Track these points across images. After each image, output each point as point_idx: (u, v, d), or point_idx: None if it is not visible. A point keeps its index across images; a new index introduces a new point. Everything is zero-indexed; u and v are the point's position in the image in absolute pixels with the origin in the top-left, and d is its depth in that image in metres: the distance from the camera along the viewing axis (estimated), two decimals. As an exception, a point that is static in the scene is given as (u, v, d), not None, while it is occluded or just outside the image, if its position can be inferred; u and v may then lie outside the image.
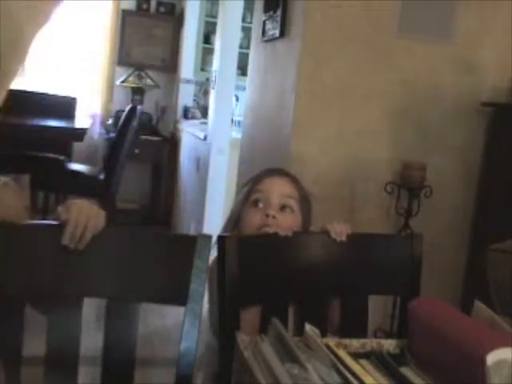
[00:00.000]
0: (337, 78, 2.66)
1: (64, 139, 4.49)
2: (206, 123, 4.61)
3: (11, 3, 1.02)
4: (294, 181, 1.63)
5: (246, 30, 4.70)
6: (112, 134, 5.08)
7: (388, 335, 2.50)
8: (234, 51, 4.16)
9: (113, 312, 1.29)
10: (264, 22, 3.10)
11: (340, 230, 1.48)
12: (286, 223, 1.53)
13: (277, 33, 2.89)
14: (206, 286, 1.34)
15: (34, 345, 1.28)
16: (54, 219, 1.25)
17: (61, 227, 1.24)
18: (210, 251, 1.32)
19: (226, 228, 1.62)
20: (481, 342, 0.96)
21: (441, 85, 2.73)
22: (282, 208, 1.56)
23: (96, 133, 5.75)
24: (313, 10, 2.62)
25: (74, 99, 5.09)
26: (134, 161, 5.29)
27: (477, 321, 1.08)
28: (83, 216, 1.23)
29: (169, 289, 1.32)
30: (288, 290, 1.46)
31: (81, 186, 4.18)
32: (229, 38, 4.13)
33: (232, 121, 4.48)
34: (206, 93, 5.56)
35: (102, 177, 4.27)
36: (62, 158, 4.29)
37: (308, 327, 1.11)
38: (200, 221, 4.21)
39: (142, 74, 5.75)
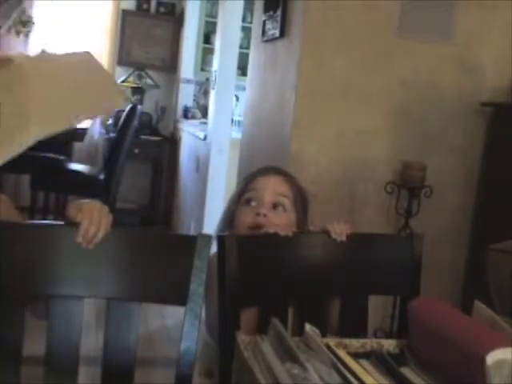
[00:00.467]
0: (337, 78, 2.66)
1: (64, 139, 4.49)
2: (205, 123, 4.61)
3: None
4: (289, 179, 1.62)
5: (246, 30, 4.70)
6: (112, 134, 5.08)
7: (388, 335, 2.50)
8: (234, 51, 4.16)
9: (113, 312, 1.29)
10: (264, 22, 3.10)
11: (340, 230, 1.48)
12: (277, 222, 1.52)
13: (277, 33, 2.89)
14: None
15: (34, 345, 1.29)
16: (66, 221, 1.25)
17: (62, 227, 1.24)
18: (209, 250, 1.32)
19: (219, 226, 1.62)
20: (481, 341, 0.96)
21: (441, 85, 2.73)
22: (275, 206, 1.56)
23: (96, 133, 5.74)
24: (313, 9, 2.62)
25: (74, 99, 5.08)
26: (134, 161, 5.29)
27: (477, 321, 1.08)
28: (96, 217, 1.23)
29: (169, 289, 1.32)
30: (288, 289, 1.46)
31: (81, 185, 4.18)
32: (229, 38, 4.13)
33: (232, 121, 4.48)
34: (205, 93, 5.57)
35: (101, 177, 4.28)
36: (62, 158, 4.29)
37: (308, 327, 1.11)
38: (200, 221, 4.21)
39: (142, 73, 5.75)
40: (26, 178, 4.57)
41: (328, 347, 1.10)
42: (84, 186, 4.21)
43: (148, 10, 5.82)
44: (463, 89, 2.74)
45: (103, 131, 5.72)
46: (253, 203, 1.56)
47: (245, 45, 4.86)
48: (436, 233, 2.68)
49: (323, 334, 1.27)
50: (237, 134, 4.18)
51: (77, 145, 4.97)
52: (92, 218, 1.23)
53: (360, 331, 1.43)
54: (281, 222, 1.52)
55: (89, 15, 5.69)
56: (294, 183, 1.63)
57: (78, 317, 1.27)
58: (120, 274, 1.30)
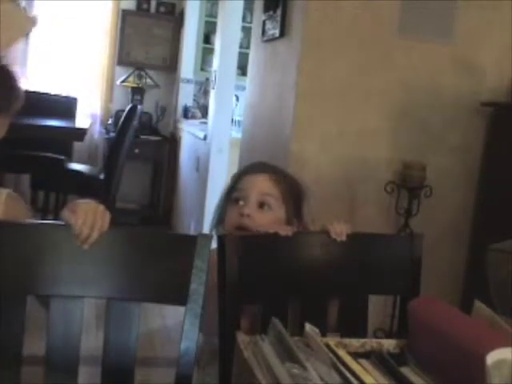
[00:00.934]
0: (337, 77, 2.66)
1: (64, 139, 4.49)
2: (205, 123, 4.61)
3: None
4: (276, 177, 1.62)
5: (246, 30, 4.69)
6: (112, 134, 5.08)
7: (388, 335, 2.50)
8: (234, 51, 4.16)
9: (113, 312, 1.29)
10: (264, 22, 3.10)
11: (340, 230, 1.48)
12: (262, 221, 1.54)
13: (277, 33, 2.89)
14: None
15: (34, 345, 1.29)
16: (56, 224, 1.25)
17: (62, 227, 1.24)
18: (210, 250, 1.32)
19: (212, 222, 1.65)
20: (481, 341, 0.96)
21: (441, 85, 2.73)
22: (261, 205, 1.57)
23: (96, 133, 5.75)
24: (313, 9, 2.62)
25: (75, 99, 5.09)
26: (134, 160, 5.29)
27: (477, 321, 1.08)
28: (90, 217, 1.23)
29: (169, 288, 1.32)
30: (288, 289, 1.46)
31: (81, 185, 4.18)
32: (229, 38, 4.13)
33: (232, 121, 4.48)
34: (205, 93, 5.56)
35: (102, 177, 4.27)
36: (62, 157, 4.29)
37: (308, 327, 1.11)
38: (200, 220, 4.21)
39: (142, 73, 5.75)
40: (26, 178, 4.57)
41: (328, 347, 1.10)
42: (84, 185, 4.21)
43: (148, 9, 5.82)
44: (463, 89, 2.74)
45: (103, 131, 5.72)
46: (240, 202, 1.58)
47: (245, 45, 4.85)
48: (436, 233, 2.68)
49: (323, 334, 1.27)
50: (237, 134, 4.18)
51: (77, 145, 4.97)
52: (86, 220, 1.23)
53: (360, 331, 1.43)
54: (266, 222, 1.54)
55: (89, 15, 5.68)
56: (282, 180, 1.62)
57: (77, 317, 1.27)
58: (120, 273, 1.30)
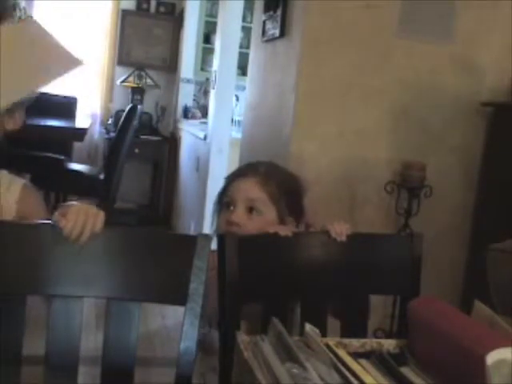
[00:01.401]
0: (337, 77, 2.66)
1: (64, 139, 4.49)
2: (205, 123, 4.61)
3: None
4: (262, 179, 1.61)
5: (246, 30, 4.70)
6: (112, 134, 5.08)
7: (388, 335, 2.50)
8: (234, 51, 4.16)
9: (113, 312, 1.29)
10: (264, 22, 3.10)
11: (340, 230, 1.48)
12: (251, 227, 1.55)
13: (277, 33, 2.89)
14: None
15: (34, 345, 1.28)
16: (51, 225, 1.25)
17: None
18: (209, 250, 1.32)
19: (212, 225, 1.66)
20: (481, 341, 0.96)
21: (441, 85, 2.73)
22: (250, 210, 1.58)
23: (96, 133, 5.75)
24: (313, 9, 2.62)
25: (75, 99, 5.09)
26: (134, 160, 5.30)
27: (477, 321, 1.08)
28: (80, 218, 1.23)
29: (168, 288, 1.32)
30: (288, 289, 1.46)
31: (81, 186, 4.19)
32: (229, 38, 4.13)
33: (232, 121, 4.48)
34: (205, 93, 5.57)
35: (102, 177, 4.28)
36: (62, 157, 4.29)
37: (308, 327, 1.11)
38: (200, 221, 4.21)
39: (142, 73, 5.75)
40: (25, 178, 4.57)
41: (328, 347, 1.10)
42: (84, 185, 4.21)
43: (148, 9, 5.82)
44: (463, 89, 2.74)
45: (103, 131, 5.72)
46: (230, 208, 1.60)
47: (245, 45, 4.86)
48: (436, 233, 2.68)
49: (323, 334, 1.27)
50: (237, 134, 4.18)
51: (77, 145, 4.97)
52: (76, 221, 1.22)
53: (360, 331, 1.43)
54: (255, 227, 1.54)
55: (89, 15, 5.69)
56: (270, 180, 1.61)
57: (77, 317, 1.27)
58: (120, 273, 1.30)
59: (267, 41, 3.09)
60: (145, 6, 5.80)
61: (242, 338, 1.08)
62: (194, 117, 5.54)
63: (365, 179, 2.71)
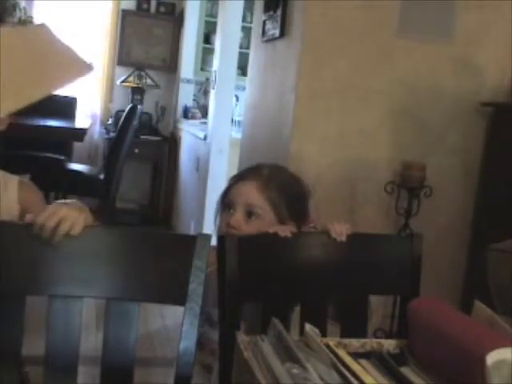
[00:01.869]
0: (337, 77, 2.66)
1: (64, 139, 4.49)
2: (205, 123, 4.61)
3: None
4: (262, 183, 1.61)
5: (246, 30, 4.69)
6: (112, 134, 5.08)
7: (388, 335, 2.50)
8: (234, 51, 4.16)
9: (112, 312, 1.29)
10: (264, 22, 3.10)
11: (340, 230, 1.48)
12: (249, 231, 1.55)
13: (277, 33, 2.89)
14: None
15: (34, 345, 1.28)
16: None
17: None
18: (209, 249, 1.32)
19: (214, 225, 1.67)
20: (481, 341, 0.96)
21: (441, 85, 2.73)
22: (249, 215, 1.59)
23: (96, 133, 5.75)
24: (313, 10, 2.62)
25: (75, 99, 5.09)
26: (134, 160, 5.29)
27: (477, 321, 1.08)
28: (53, 220, 1.20)
29: (168, 288, 1.32)
30: (288, 289, 1.46)
31: (81, 186, 4.18)
32: (229, 38, 4.13)
33: (232, 121, 4.48)
34: (206, 93, 5.56)
35: (101, 177, 4.28)
36: (62, 158, 4.29)
37: (308, 327, 1.11)
38: (200, 221, 4.21)
39: (142, 73, 5.75)
40: (25, 178, 4.57)
41: (328, 347, 1.10)
42: (84, 185, 4.21)
43: (148, 9, 5.82)
44: (463, 89, 2.74)
45: (103, 131, 5.72)
46: (231, 210, 1.60)
47: (245, 45, 4.86)
48: (436, 233, 2.68)
49: (323, 334, 1.27)
50: (237, 134, 4.18)
51: (77, 145, 4.97)
52: (47, 222, 1.20)
53: (360, 331, 1.43)
54: (253, 231, 1.54)
55: (89, 15, 5.68)
56: (272, 186, 1.61)
57: (77, 317, 1.27)
58: (119, 273, 1.30)
59: (267, 41, 3.09)
60: (145, 6, 5.79)
61: (242, 337, 1.08)
62: (193, 117, 5.54)
63: (365, 179, 2.71)
